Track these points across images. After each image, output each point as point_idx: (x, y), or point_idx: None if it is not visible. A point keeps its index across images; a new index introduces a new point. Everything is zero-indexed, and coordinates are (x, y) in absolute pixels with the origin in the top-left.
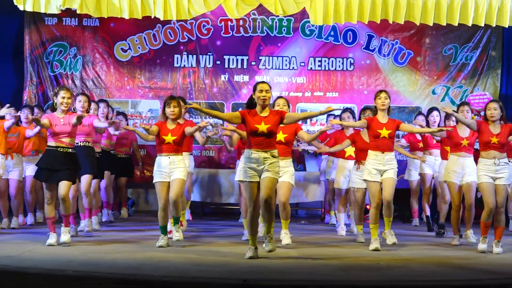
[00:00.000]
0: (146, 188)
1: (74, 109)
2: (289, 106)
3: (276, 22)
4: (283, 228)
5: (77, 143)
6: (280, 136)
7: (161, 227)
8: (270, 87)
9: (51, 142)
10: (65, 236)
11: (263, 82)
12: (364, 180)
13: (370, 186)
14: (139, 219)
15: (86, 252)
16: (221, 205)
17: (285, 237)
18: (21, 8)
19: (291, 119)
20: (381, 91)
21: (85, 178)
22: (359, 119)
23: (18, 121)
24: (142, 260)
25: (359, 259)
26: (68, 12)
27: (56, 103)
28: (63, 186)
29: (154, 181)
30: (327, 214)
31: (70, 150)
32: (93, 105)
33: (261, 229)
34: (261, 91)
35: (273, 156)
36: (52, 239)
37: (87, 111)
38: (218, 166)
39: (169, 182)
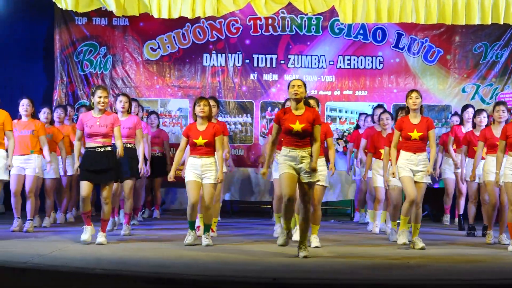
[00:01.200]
0: (176, 187)
1: (114, 109)
2: (318, 106)
3: (305, 21)
4: (313, 233)
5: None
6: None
7: (189, 222)
8: (305, 84)
9: (88, 143)
10: (100, 239)
11: (296, 79)
12: (399, 178)
13: (404, 181)
14: (169, 218)
15: (116, 251)
16: (251, 204)
17: (314, 241)
18: (59, 6)
19: (315, 134)
20: (412, 90)
21: (127, 183)
22: (395, 119)
23: (51, 121)
24: (172, 258)
25: (389, 257)
26: (98, 12)
27: (93, 102)
28: (106, 188)
29: (185, 180)
30: (357, 212)
31: (108, 148)
32: (134, 104)
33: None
34: (293, 86)
35: (310, 155)
36: (86, 233)
37: (128, 111)
38: (247, 165)
39: (200, 182)
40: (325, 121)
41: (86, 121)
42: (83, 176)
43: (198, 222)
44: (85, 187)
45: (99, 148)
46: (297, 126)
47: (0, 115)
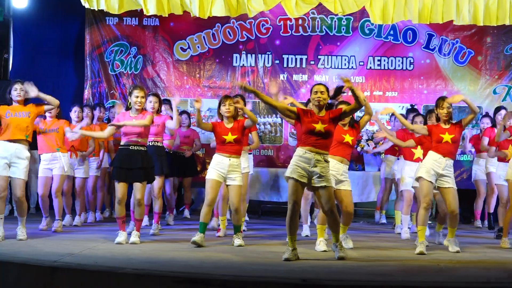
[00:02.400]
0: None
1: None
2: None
3: (335, 21)
4: (342, 232)
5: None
6: (348, 139)
7: (201, 223)
8: (328, 88)
9: (123, 141)
10: (134, 238)
11: (319, 83)
12: (418, 177)
13: (423, 184)
14: (198, 219)
15: (146, 250)
16: (279, 204)
17: (347, 240)
18: (86, 5)
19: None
20: (442, 99)
21: (156, 181)
22: (425, 122)
23: (81, 120)
24: (201, 258)
25: (419, 260)
26: (129, 12)
27: (130, 102)
28: (139, 188)
29: (207, 177)
30: (377, 212)
31: (142, 148)
32: (164, 105)
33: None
34: (316, 92)
35: (325, 161)
36: (121, 237)
37: (158, 111)
38: (276, 165)
39: (221, 182)
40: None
41: (124, 120)
42: (116, 174)
43: (216, 224)
44: (120, 189)
45: (133, 147)
46: (320, 126)
47: (30, 109)
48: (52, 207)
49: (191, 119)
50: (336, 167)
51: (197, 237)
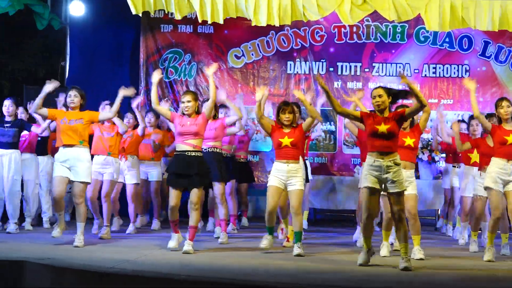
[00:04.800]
0: (261, 194)
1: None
2: None
3: (390, 29)
4: (416, 244)
5: (204, 149)
6: (409, 141)
7: (268, 227)
8: (387, 90)
9: (178, 146)
10: (187, 247)
11: (377, 87)
12: (486, 187)
13: (492, 194)
14: (252, 225)
15: (202, 257)
16: (334, 212)
17: (418, 252)
18: (133, 12)
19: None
20: (501, 99)
21: (217, 187)
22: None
23: (135, 126)
24: (256, 266)
25: (475, 270)
26: (184, 20)
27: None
28: (194, 194)
29: (268, 184)
30: (440, 220)
31: (198, 154)
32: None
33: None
34: (375, 96)
35: (396, 164)
36: (173, 240)
37: (215, 117)
38: (330, 173)
39: (281, 189)
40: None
41: (179, 120)
42: (170, 180)
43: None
44: (173, 196)
45: (189, 152)
46: (383, 127)
47: (83, 115)
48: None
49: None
50: (406, 174)
51: (266, 241)
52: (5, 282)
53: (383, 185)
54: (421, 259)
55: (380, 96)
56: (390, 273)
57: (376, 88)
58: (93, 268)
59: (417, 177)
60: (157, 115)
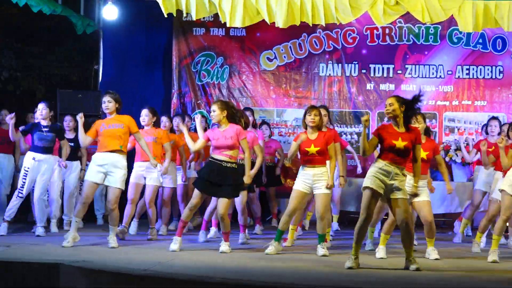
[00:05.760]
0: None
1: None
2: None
3: (422, 30)
4: (429, 245)
5: (241, 161)
6: (422, 154)
7: (279, 230)
8: (399, 99)
9: (214, 155)
10: (224, 247)
11: (390, 96)
12: (501, 190)
13: (506, 199)
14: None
15: (235, 260)
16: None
17: (433, 253)
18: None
19: (416, 153)
20: None
21: (240, 196)
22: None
23: (171, 129)
24: (285, 268)
25: (492, 271)
26: (216, 23)
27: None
28: (222, 204)
29: (293, 187)
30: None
31: (233, 165)
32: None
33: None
34: (385, 105)
35: (403, 175)
36: (175, 244)
37: (253, 125)
38: (360, 175)
39: (306, 193)
40: (443, 132)
41: (213, 135)
42: (199, 184)
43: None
44: (196, 196)
45: (225, 163)
46: (400, 143)
47: (123, 120)
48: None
49: (275, 129)
50: (410, 183)
51: (271, 248)
52: (41, 284)
53: (385, 192)
54: (436, 259)
55: (390, 104)
56: (422, 275)
57: (389, 97)
58: (127, 270)
59: (451, 179)
60: (171, 119)
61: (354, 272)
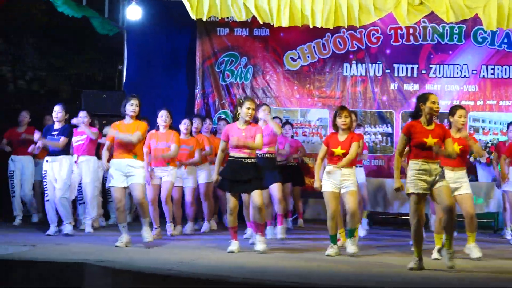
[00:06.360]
0: (313, 197)
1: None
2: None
3: (447, 30)
4: (471, 241)
5: (260, 155)
6: (456, 148)
7: (331, 236)
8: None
9: (233, 153)
10: (261, 245)
11: (433, 93)
12: None
13: None
14: (307, 227)
15: (258, 259)
16: (390, 215)
17: (475, 250)
18: (193, 17)
19: (448, 147)
20: None
21: (275, 188)
22: None
23: (190, 132)
24: (310, 268)
25: None
26: (240, 23)
27: (239, 113)
28: (258, 196)
29: (323, 190)
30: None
31: (252, 160)
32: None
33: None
34: (434, 102)
35: (440, 167)
36: (233, 246)
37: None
38: (386, 175)
39: (337, 193)
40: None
41: (232, 133)
42: (225, 185)
43: (339, 235)
44: (231, 199)
45: (245, 159)
46: (431, 141)
47: (142, 127)
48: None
49: (299, 129)
50: (448, 176)
51: (331, 250)
52: (65, 284)
53: (428, 188)
54: (479, 258)
55: (438, 103)
56: (445, 276)
57: (433, 94)
58: (150, 270)
59: (476, 179)
60: (192, 121)
61: (380, 272)
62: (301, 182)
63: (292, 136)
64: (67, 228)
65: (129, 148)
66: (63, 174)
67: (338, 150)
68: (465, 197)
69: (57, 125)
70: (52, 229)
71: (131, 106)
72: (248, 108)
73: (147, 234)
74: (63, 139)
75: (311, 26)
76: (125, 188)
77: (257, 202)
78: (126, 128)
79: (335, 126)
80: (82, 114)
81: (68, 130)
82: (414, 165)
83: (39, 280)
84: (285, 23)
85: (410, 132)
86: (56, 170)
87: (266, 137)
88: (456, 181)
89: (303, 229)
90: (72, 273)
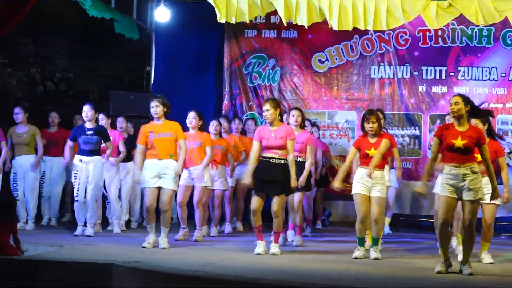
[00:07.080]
0: (341, 199)
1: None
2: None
3: (476, 32)
4: (483, 249)
5: None
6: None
7: (358, 238)
8: (465, 98)
9: (264, 153)
10: (274, 249)
11: (455, 94)
12: None
13: None
14: (335, 230)
15: (285, 262)
16: (418, 218)
17: (486, 257)
18: (222, 21)
19: (485, 155)
20: None
21: (297, 195)
22: None
23: (220, 133)
24: (340, 271)
25: None
26: (267, 24)
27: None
28: (276, 203)
29: (353, 192)
30: None
31: (283, 161)
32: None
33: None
34: (451, 104)
35: (473, 172)
36: (260, 248)
37: (301, 126)
38: (414, 178)
39: (368, 196)
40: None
41: (263, 134)
42: (256, 185)
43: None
44: (255, 200)
45: (274, 160)
46: (459, 142)
47: (172, 126)
48: (190, 217)
49: (326, 132)
50: (488, 187)
51: (358, 252)
52: (93, 284)
53: (460, 194)
54: (491, 263)
55: (456, 103)
56: (472, 280)
57: (454, 95)
58: (179, 271)
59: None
60: (220, 122)
61: (409, 276)
62: (325, 183)
63: (318, 138)
64: (89, 230)
65: (166, 150)
66: (96, 175)
67: (372, 151)
68: (489, 206)
69: (88, 125)
70: (80, 229)
71: (152, 109)
72: (263, 111)
73: (164, 241)
74: (109, 145)
75: (335, 29)
76: (158, 188)
77: (272, 207)
78: (159, 128)
79: (363, 129)
80: (101, 116)
81: (106, 132)
82: (445, 169)
83: (67, 280)
84: (306, 22)
85: (441, 134)
86: (90, 171)
87: (297, 144)
88: (483, 186)
89: (328, 231)
90: (100, 274)
